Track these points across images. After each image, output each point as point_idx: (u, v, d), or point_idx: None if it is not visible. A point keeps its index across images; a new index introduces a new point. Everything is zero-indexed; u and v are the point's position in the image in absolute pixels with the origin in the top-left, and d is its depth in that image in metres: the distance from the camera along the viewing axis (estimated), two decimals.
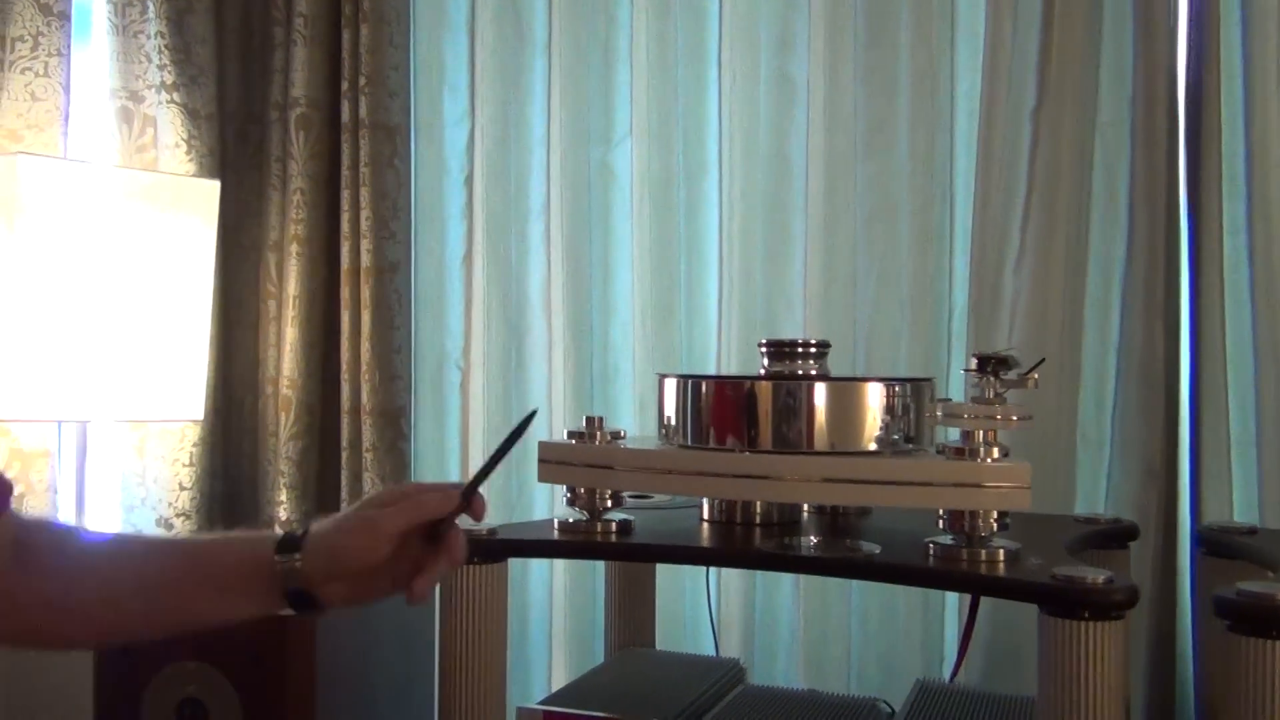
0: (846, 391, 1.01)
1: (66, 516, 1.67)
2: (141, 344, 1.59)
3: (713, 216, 1.76)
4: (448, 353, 1.89)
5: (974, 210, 1.60)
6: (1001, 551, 0.96)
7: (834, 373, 1.65)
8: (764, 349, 1.12)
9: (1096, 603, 0.84)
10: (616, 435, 1.10)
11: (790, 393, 1.01)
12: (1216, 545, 1.14)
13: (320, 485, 1.90)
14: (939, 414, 1.12)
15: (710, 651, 1.50)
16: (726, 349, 1.71)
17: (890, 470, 0.95)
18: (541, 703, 1.11)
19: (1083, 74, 1.56)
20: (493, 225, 1.86)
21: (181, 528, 1.83)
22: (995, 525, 0.97)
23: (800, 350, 1.10)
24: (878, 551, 0.99)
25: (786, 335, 1.68)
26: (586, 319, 1.81)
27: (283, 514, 1.85)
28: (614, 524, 1.10)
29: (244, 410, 1.95)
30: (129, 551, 0.87)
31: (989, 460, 0.95)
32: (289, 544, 0.80)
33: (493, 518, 1.77)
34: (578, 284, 1.80)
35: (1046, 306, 1.55)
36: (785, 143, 1.71)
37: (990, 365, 1.01)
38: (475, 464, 1.86)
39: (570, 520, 1.10)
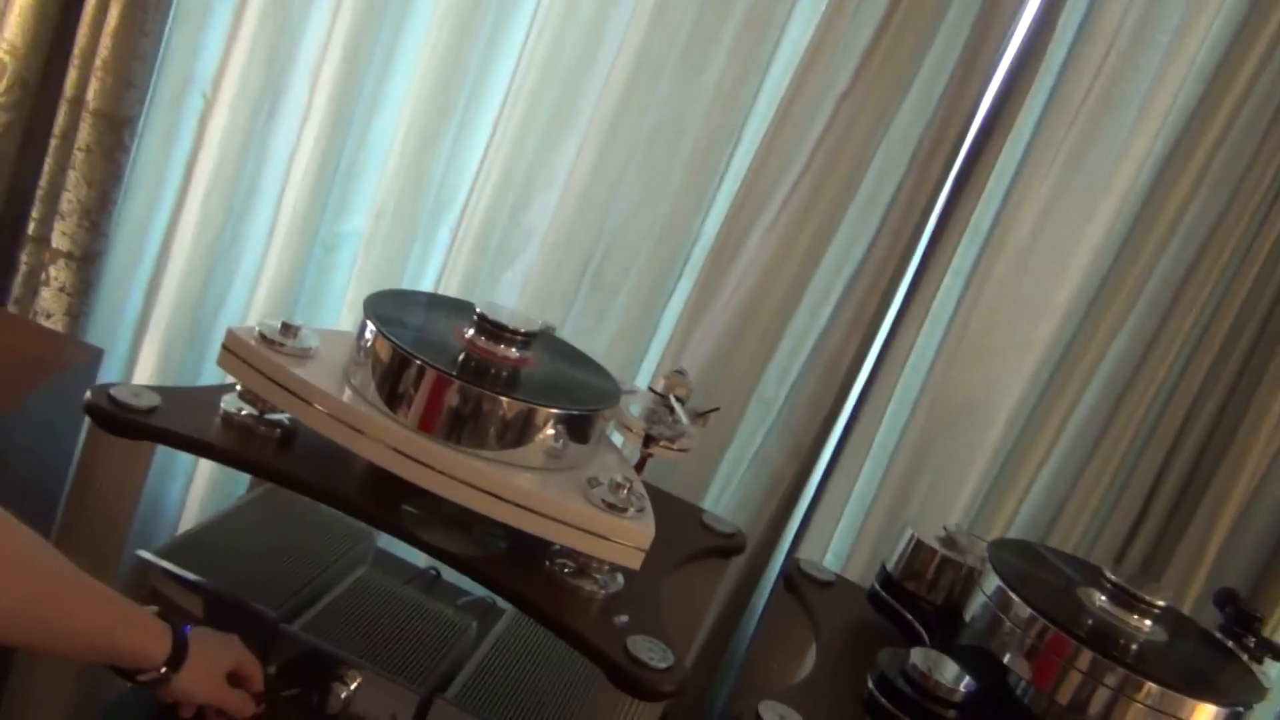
0: (527, 411, 1.06)
1: None
2: None
3: (509, 62, 1.67)
4: (196, 79, 1.75)
5: (750, 165, 1.62)
6: (601, 594, 1.07)
7: (563, 274, 1.68)
8: (476, 317, 1.13)
9: (650, 690, 0.97)
10: (305, 354, 1.11)
11: (475, 398, 1.04)
12: (792, 586, 1.32)
13: (18, 166, 1.76)
14: (614, 418, 1.22)
15: None
16: (475, 203, 1.69)
17: (540, 502, 1.02)
18: (161, 553, 1.15)
19: (897, 80, 1.57)
20: None
21: None
22: (608, 564, 1.09)
23: (508, 335, 1.12)
24: (503, 548, 1.09)
25: (536, 209, 1.70)
26: (350, 106, 1.71)
27: None
28: (277, 431, 1.12)
29: None
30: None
31: (625, 517, 1.05)
32: (176, 660, 0.93)
33: (197, 266, 1.76)
34: (353, 67, 1.69)
35: (775, 279, 1.64)
36: (605, 20, 1.63)
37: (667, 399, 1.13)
38: (194, 198, 1.78)
39: (235, 413, 1.12)
